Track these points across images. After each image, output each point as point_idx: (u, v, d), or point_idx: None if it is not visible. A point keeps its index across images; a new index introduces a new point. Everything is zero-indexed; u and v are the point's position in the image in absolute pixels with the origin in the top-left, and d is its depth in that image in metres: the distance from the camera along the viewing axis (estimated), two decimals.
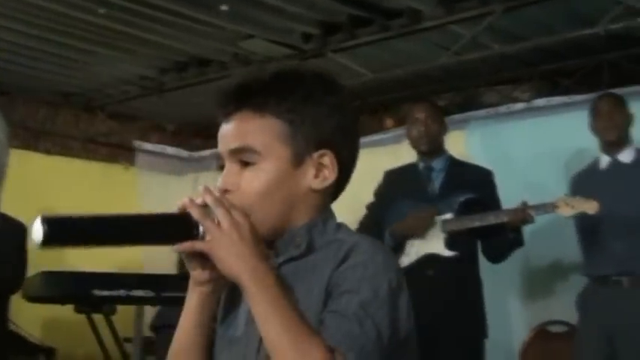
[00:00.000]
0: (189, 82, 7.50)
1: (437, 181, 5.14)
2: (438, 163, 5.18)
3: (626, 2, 5.43)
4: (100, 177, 8.51)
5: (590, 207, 4.60)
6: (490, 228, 4.85)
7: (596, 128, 5.10)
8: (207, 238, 1.63)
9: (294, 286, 1.70)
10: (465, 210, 4.95)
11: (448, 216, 4.97)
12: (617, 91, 5.76)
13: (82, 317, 5.37)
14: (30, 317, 6.59)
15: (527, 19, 5.99)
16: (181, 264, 6.28)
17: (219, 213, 1.63)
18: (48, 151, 8.38)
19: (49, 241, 1.52)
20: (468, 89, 7.46)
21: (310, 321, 1.61)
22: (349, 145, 1.83)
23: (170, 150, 8.95)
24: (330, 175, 1.77)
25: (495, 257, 5.09)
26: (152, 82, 7.73)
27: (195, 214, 1.63)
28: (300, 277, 1.72)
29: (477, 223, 4.88)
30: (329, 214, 1.82)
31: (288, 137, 1.74)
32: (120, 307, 5.42)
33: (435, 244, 4.96)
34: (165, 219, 1.67)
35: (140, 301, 5.32)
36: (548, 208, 4.78)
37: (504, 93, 7.20)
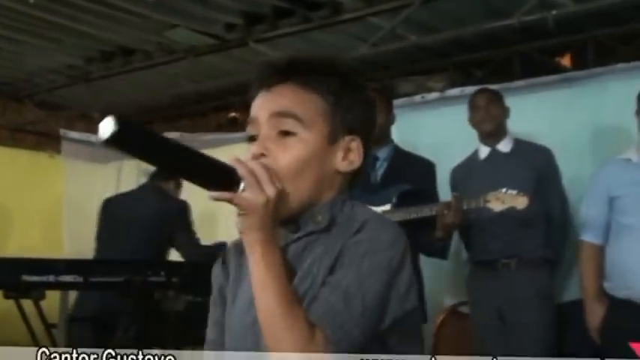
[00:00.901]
0: (115, 71, 7.43)
1: (380, 171, 4.98)
2: (383, 153, 4.98)
3: None
4: (27, 165, 8.44)
5: (520, 202, 4.50)
6: (425, 221, 4.70)
7: (474, 121, 5.06)
8: (246, 194, 1.61)
9: (308, 258, 1.71)
10: (403, 202, 4.80)
11: (386, 207, 4.81)
12: (528, 81, 5.79)
13: (10, 303, 5.16)
14: None
15: (444, 11, 5.95)
16: (99, 250, 6.01)
17: (264, 178, 1.62)
18: None
19: (114, 138, 1.46)
20: (385, 80, 7.37)
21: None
22: (369, 139, 1.85)
23: (95, 138, 8.73)
24: (355, 159, 1.78)
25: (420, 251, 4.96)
26: (78, 72, 7.67)
27: (242, 170, 1.61)
28: (315, 250, 1.72)
29: (412, 215, 4.74)
30: (346, 195, 1.81)
31: (328, 115, 1.75)
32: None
33: None
34: (215, 166, 1.62)
35: (69, 287, 5.14)
36: (479, 202, 4.66)
37: (419, 83, 7.13)
